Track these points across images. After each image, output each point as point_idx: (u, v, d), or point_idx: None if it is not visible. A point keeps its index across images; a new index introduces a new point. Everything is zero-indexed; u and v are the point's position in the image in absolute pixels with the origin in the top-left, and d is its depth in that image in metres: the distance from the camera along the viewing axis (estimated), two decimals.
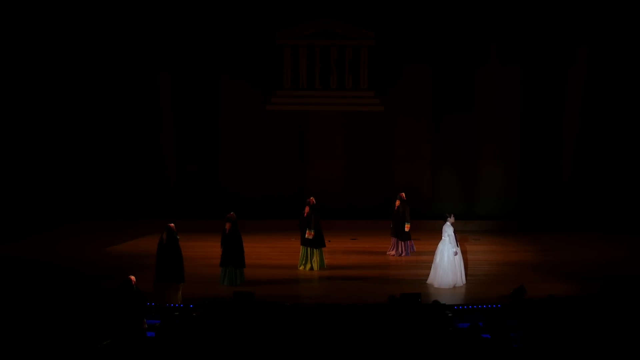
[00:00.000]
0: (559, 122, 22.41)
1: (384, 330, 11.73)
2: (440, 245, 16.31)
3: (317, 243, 17.57)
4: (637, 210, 22.09)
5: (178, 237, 14.95)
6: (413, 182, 22.07)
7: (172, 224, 15.01)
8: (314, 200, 17.77)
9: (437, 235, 19.51)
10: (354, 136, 22.83)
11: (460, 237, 17.99)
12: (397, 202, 19.17)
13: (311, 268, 17.58)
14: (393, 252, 19.15)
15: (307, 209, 17.54)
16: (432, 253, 16.31)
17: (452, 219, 16.31)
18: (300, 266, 17.69)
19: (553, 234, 21.36)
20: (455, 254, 16.10)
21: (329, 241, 18.46)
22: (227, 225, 16.28)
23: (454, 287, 16.04)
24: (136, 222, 21.82)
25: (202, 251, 18.50)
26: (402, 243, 19.06)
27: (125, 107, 22.60)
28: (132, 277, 13.29)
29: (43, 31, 22.01)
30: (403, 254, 18.99)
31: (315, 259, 17.63)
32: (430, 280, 16.37)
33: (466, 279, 16.34)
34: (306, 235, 17.50)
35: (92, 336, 11.82)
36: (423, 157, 22.71)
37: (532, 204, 22.57)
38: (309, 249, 17.62)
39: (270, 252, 19.08)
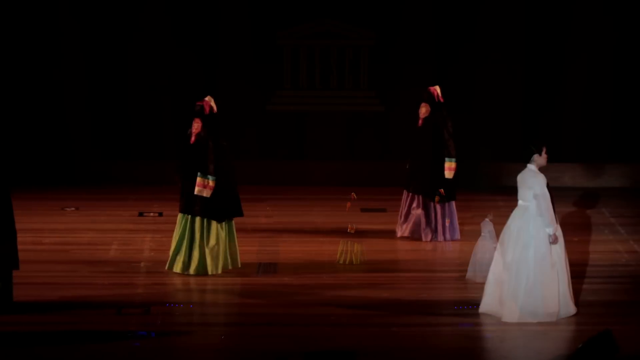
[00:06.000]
0: (560, 121, 22.40)
1: None
2: (480, 242, 15.96)
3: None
4: None
5: None
6: None
7: None
8: (354, 195, 17.77)
9: None
10: (354, 136, 22.80)
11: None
12: (437, 198, 19.21)
13: (350, 262, 17.62)
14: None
15: (348, 205, 17.61)
16: None
17: (491, 216, 16.12)
18: (339, 260, 17.67)
19: None
20: (495, 249, 15.98)
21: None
22: None
23: None
24: None
25: None
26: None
27: (124, 109, 22.58)
28: None
29: (39, 26, 21.85)
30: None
31: (356, 252, 17.70)
32: (469, 276, 16.17)
33: None
34: (348, 230, 17.55)
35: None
36: (423, 157, 22.60)
37: None
38: (349, 242, 17.64)
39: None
